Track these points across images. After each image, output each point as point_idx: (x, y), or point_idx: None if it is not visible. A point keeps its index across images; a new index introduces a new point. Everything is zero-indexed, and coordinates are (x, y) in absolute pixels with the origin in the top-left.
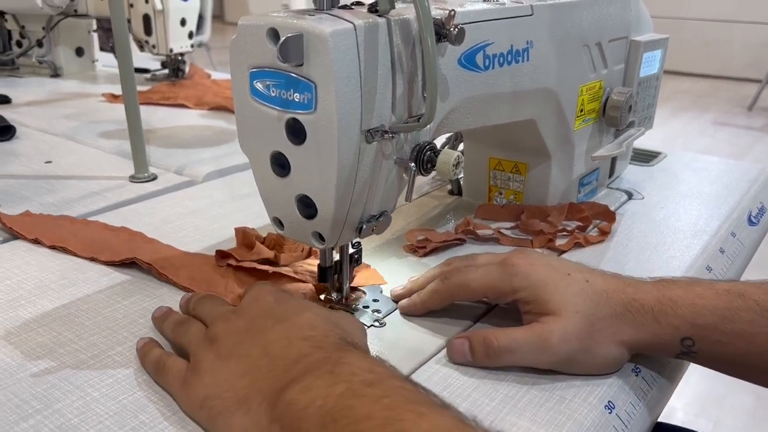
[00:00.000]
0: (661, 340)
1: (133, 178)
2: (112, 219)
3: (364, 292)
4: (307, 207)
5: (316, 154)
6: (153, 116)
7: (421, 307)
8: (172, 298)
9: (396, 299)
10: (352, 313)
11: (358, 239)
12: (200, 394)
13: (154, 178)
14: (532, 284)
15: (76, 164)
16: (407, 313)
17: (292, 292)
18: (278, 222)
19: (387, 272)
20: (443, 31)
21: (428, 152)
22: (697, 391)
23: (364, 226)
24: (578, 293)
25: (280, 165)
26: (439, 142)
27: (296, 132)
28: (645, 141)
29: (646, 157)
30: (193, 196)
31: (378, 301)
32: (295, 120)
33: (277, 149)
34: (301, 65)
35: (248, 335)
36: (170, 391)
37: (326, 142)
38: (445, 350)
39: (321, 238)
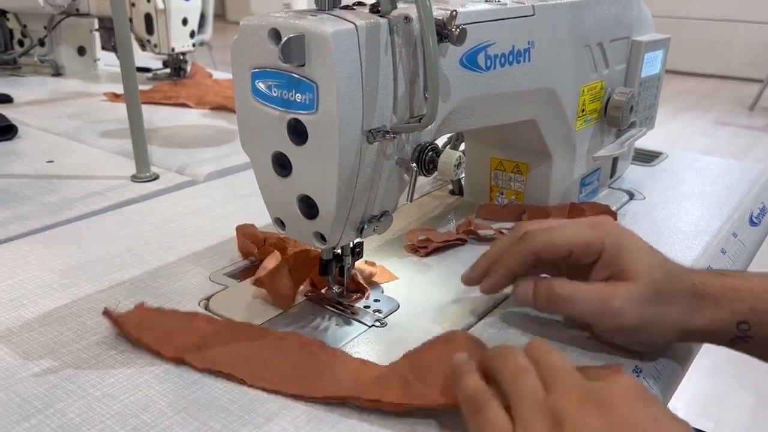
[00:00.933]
0: (718, 325)
1: (135, 178)
2: (114, 218)
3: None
4: (308, 207)
5: (317, 154)
6: (155, 116)
7: (507, 273)
8: (178, 301)
9: (469, 282)
10: (355, 313)
11: (359, 239)
12: None
13: (156, 177)
14: (620, 243)
15: (78, 164)
16: (490, 291)
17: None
18: (280, 222)
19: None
20: (445, 32)
21: (430, 152)
22: (698, 391)
23: (366, 226)
24: (658, 265)
25: (282, 165)
26: (440, 142)
27: (298, 132)
28: (646, 141)
29: (647, 157)
30: (194, 195)
31: (379, 300)
32: (296, 120)
33: (279, 149)
34: (303, 65)
35: None
36: None
37: (328, 143)
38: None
39: (322, 238)
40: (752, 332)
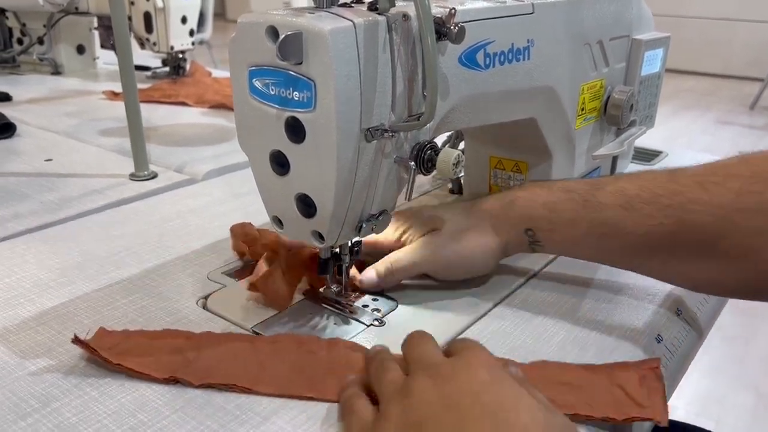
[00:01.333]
0: (513, 237)
1: (134, 176)
2: (112, 217)
3: (364, 291)
4: (306, 206)
5: (315, 152)
6: (153, 114)
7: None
8: (176, 300)
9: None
10: (353, 312)
11: (358, 238)
12: None
13: (155, 176)
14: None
15: (77, 162)
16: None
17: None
18: (278, 221)
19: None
20: (443, 30)
21: (428, 151)
22: (698, 390)
23: (364, 225)
24: (459, 213)
25: (280, 164)
26: (439, 141)
27: (295, 131)
28: (646, 140)
29: (647, 156)
30: (193, 194)
31: (377, 300)
32: (294, 119)
33: (277, 148)
34: (301, 63)
35: (446, 414)
36: None
37: (325, 141)
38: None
39: (320, 237)
40: (538, 237)
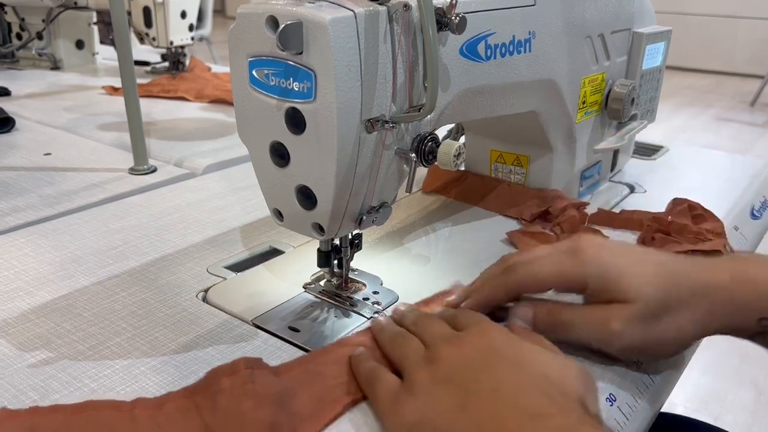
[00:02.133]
0: (736, 322)
1: (133, 171)
2: (112, 211)
3: (364, 284)
4: (306, 198)
5: (315, 143)
6: (153, 109)
7: (485, 303)
8: (176, 293)
9: (448, 304)
10: (354, 305)
11: (358, 230)
12: (411, 416)
13: (154, 170)
14: (603, 272)
15: (76, 156)
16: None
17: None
18: (278, 213)
19: (386, 265)
20: (444, 20)
21: (429, 143)
22: (697, 387)
23: (364, 218)
24: (650, 280)
25: (280, 155)
26: (440, 134)
27: (296, 121)
28: (647, 136)
29: (648, 150)
30: (192, 188)
31: (378, 293)
32: (294, 109)
33: (277, 139)
34: (301, 53)
35: (475, 365)
36: (377, 406)
37: (326, 132)
38: None
39: (321, 229)
40: None
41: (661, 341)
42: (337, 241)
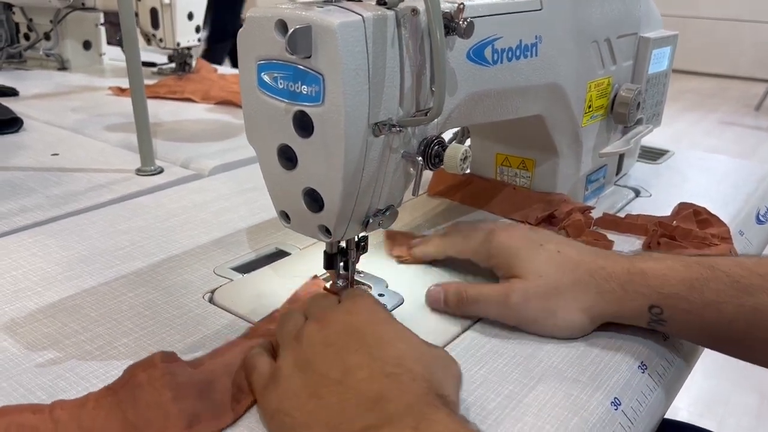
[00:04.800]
0: (628, 309)
1: (140, 171)
2: (119, 211)
3: (370, 286)
4: (313, 200)
5: (323, 147)
6: (160, 110)
7: (420, 254)
8: (182, 294)
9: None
10: None
11: (364, 233)
12: (273, 404)
13: (161, 171)
14: (506, 253)
15: (83, 157)
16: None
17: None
18: (285, 215)
19: (391, 267)
20: (452, 25)
21: (436, 146)
22: (701, 391)
23: (371, 220)
24: (546, 261)
25: (288, 158)
26: (446, 137)
27: (304, 125)
28: (652, 140)
29: (653, 155)
30: (198, 189)
31: (383, 295)
32: (302, 113)
33: (285, 142)
34: (309, 57)
35: (330, 350)
36: (254, 394)
37: (333, 135)
38: (450, 345)
39: (327, 231)
40: (665, 316)
41: (553, 319)
42: (343, 244)
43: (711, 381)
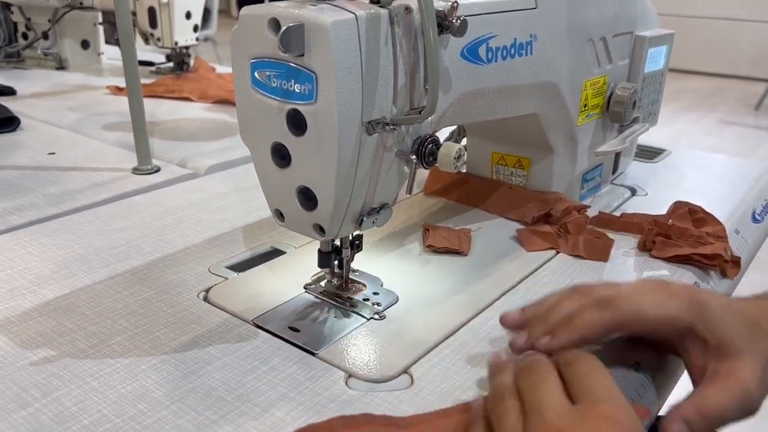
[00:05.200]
0: None
1: (136, 170)
2: (115, 210)
3: (365, 285)
4: (307, 199)
5: (316, 145)
6: (157, 109)
7: (577, 340)
8: (177, 293)
9: (508, 325)
10: (354, 306)
11: (358, 231)
12: None
13: (157, 170)
14: (710, 319)
15: (80, 156)
16: (550, 351)
17: None
18: (279, 214)
19: (387, 266)
20: (446, 23)
21: (430, 145)
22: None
23: (365, 219)
24: (742, 324)
25: (281, 156)
26: (441, 136)
27: (297, 123)
28: (650, 139)
29: (650, 153)
30: (195, 188)
31: (378, 294)
32: (295, 111)
33: (278, 140)
34: (302, 55)
35: None
36: None
37: (327, 134)
38: (444, 342)
39: (321, 230)
40: None
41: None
42: (337, 242)
43: None
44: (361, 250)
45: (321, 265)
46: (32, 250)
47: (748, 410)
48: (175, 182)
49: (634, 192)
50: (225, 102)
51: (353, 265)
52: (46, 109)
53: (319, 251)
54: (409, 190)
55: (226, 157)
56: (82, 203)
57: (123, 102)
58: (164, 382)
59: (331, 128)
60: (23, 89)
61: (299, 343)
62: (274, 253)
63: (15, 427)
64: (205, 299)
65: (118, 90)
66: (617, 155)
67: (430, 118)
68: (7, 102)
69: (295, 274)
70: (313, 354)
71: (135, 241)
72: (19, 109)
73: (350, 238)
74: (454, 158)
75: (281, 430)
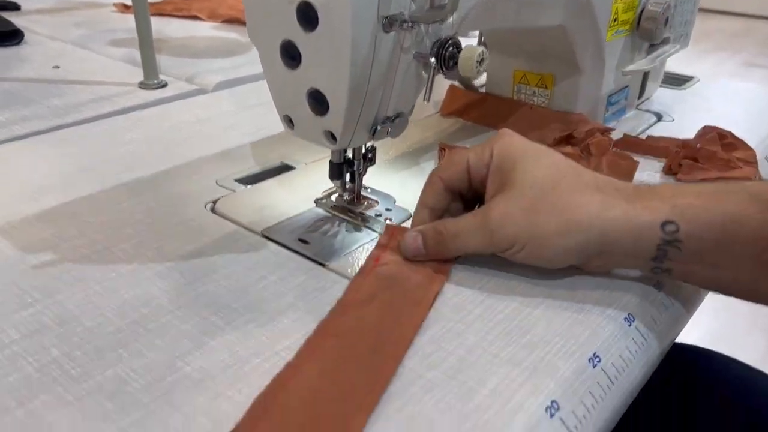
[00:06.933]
0: (634, 227)
1: (143, 85)
2: (120, 123)
3: (377, 201)
4: (318, 102)
5: (328, 42)
6: (166, 27)
7: (425, 212)
8: (183, 203)
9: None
10: (366, 221)
11: (372, 142)
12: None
13: (164, 85)
14: (506, 154)
15: (85, 70)
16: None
17: None
18: (288, 120)
19: (400, 184)
20: None
21: (450, 48)
22: (709, 331)
23: (379, 128)
24: (545, 166)
25: (291, 56)
26: None
27: (308, 18)
28: (676, 68)
29: (677, 80)
30: (203, 104)
31: (390, 210)
32: (306, 4)
33: (288, 38)
34: None
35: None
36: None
37: (340, 28)
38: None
39: (333, 137)
40: (682, 234)
41: (550, 235)
42: (349, 154)
43: (719, 321)
44: (374, 163)
45: (332, 176)
46: (35, 159)
47: (487, 241)
48: (182, 98)
49: (660, 117)
50: (235, 21)
51: (366, 182)
52: (51, 25)
53: (331, 162)
54: (427, 98)
55: (236, 75)
56: (86, 115)
57: (130, 20)
58: (169, 289)
59: (345, 22)
60: (28, 5)
61: (309, 255)
62: (284, 168)
63: (16, 326)
64: (213, 210)
65: (125, 8)
66: (644, 79)
67: (451, 18)
68: (11, 17)
69: (306, 188)
70: (323, 265)
71: (140, 154)
72: (23, 24)
73: (363, 150)
74: (477, 62)
75: (289, 337)
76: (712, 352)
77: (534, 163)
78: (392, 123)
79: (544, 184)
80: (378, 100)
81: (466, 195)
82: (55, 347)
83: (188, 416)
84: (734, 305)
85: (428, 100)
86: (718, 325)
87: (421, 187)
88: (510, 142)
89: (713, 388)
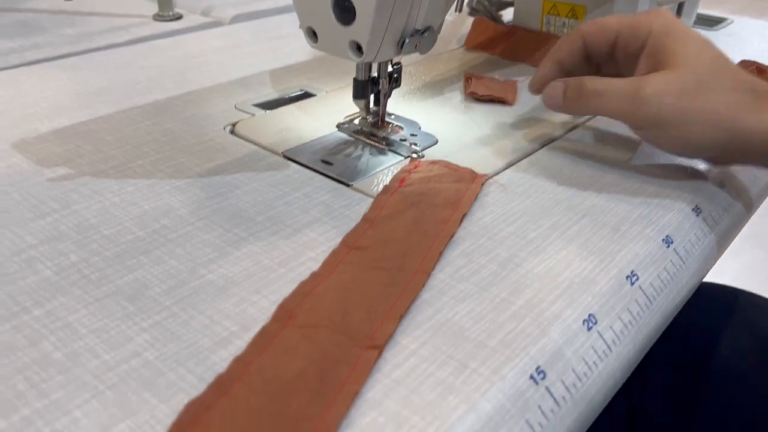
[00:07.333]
0: None
1: (158, 16)
2: (135, 51)
3: (401, 127)
4: (344, 11)
5: None
6: None
7: (553, 66)
8: (202, 125)
9: (534, 89)
10: (390, 144)
11: (399, 57)
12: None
13: (180, 17)
14: (669, 31)
15: (98, 1)
16: (538, 86)
17: None
18: (312, 33)
19: (425, 112)
20: None
21: None
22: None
23: (407, 41)
24: (705, 54)
25: None
26: None
27: None
28: (709, 9)
29: (709, 21)
30: (219, 35)
31: (416, 135)
32: None
33: None
34: None
35: None
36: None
37: None
38: (491, 179)
39: (359, 49)
40: None
41: (693, 121)
42: (374, 73)
43: (756, 252)
44: (399, 85)
45: (356, 95)
46: (48, 82)
47: (630, 113)
48: (197, 29)
49: None
50: None
51: (390, 108)
52: None
53: (355, 80)
54: (459, 8)
55: (253, 8)
56: (100, 44)
57: None
58: (189, 202)
59: None
60: None
61: (333, 175)
62: (304, 95)
63: (33, 233)
64: (232, 132)
65: None
66: (680, 7)
67: None
68: None
69: (327, 114)
70: (347, 185)
71: (156, 79)
72: None
73: (389, 69)
74: None
75: (315, 249)
76: (740, 290)
77: (698, 52)
78: (421, 36)
79: (706, 75)
80: (407, 11)
81: (599, 61)
82: (73, 253)
83: (212, 319)
84: None
85: (460, 10)
86: (754, 257)
87: (446, 114)
88: (673, 22)
89: (741, 326)
